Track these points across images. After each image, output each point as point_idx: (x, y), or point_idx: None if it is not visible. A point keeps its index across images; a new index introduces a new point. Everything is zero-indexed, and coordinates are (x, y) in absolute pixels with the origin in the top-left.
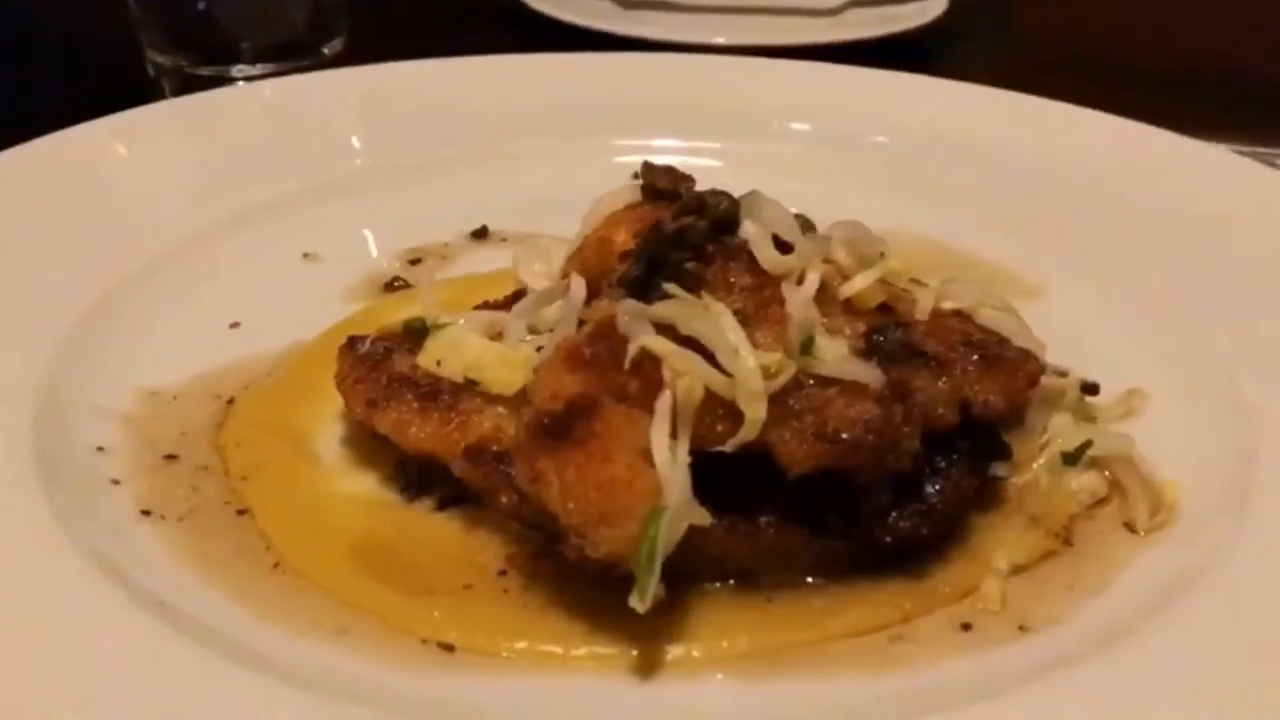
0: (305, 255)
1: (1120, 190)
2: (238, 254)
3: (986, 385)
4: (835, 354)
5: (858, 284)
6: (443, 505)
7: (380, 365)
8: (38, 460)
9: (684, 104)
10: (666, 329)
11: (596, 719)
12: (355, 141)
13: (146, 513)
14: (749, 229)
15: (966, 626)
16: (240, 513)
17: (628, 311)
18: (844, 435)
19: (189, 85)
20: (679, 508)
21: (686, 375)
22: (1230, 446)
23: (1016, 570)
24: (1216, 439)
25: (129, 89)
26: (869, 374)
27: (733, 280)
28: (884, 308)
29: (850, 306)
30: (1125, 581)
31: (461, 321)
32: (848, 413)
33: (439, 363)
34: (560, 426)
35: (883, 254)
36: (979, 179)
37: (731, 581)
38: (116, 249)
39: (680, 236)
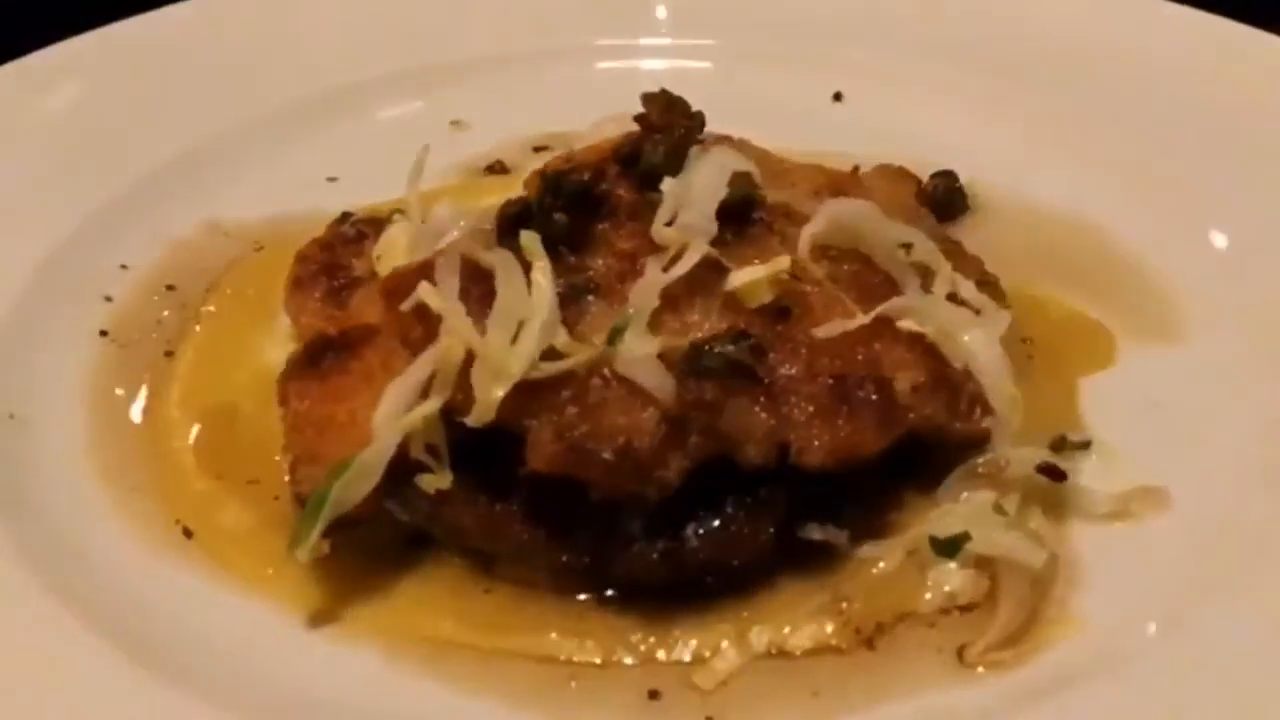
0: (454, 123)
1: None
2: (388, 109)
3: (817, 433)
4: (638, 352)
5: (742, 277)
6: None
7: (341, 247)
8: (50, 265)
9: None
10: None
11: (225, 646)
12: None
13: (104, 333)
14: (666, 187)
15: (655, 694)
16: (167, 354)
17: (446, 252)
18: (587, 445)
19: None
20: (366, 466)
21: (450, 335)
22: (1200, 610)
23: (779, 654)
24: (1190, 589)
25: None
26: (659, 385)
27: (615, 242)
28: (782, 311)
29: (734, 302)
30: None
31: (407, 222)
32: (611, 422)
33: (379, 258)
34: (319, 353)
35: (908, 246)
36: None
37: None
38: (272, 84)
39: (556, 185)
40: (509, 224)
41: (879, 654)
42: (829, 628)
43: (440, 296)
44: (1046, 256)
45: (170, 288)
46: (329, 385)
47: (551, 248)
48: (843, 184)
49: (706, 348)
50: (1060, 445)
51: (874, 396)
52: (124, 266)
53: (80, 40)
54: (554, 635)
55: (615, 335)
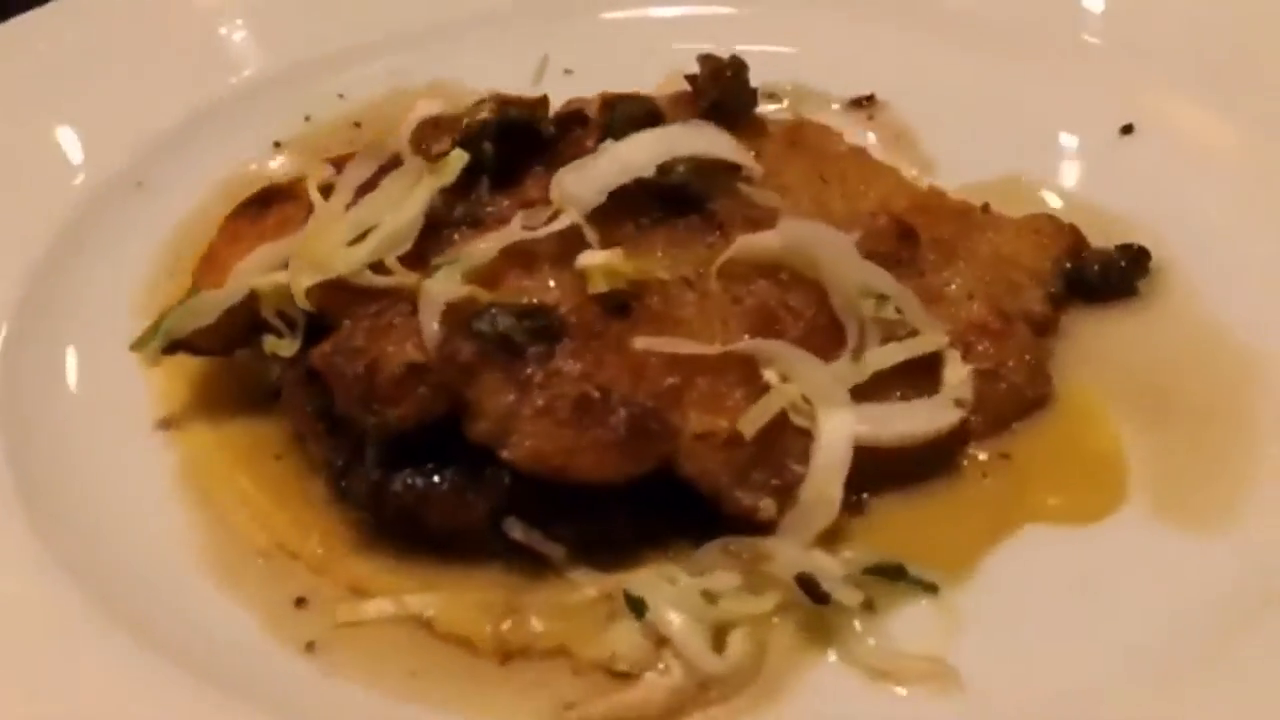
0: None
1: None
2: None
3: (532, 432)
4: (434, 294)
5: (585, 259)
6: None
7: None
8: (273, 79)
9: None
10: None
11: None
12: None
13: (277, 144)
14: (605, 148)
15: (301, 602)
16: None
17: (371, 144)
18: (338, 356)
19: None
20: (201, 305)
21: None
22: None
23: (424, 625)
24: None
25: None
26: (429, 330)
27: (528, 185)
28: (621, 307)
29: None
30: None
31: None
32: (378, 348)
33: None
34: (255, 199)
35: (882, 297)
36: None
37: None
38: None
39: (494, 119)
40: (464, 137)
41: (503, 672)
42: (485, 629)
43: (314, 183)
44: (1168, 382)
45: (357, 125)
46: (238, 227)
47: (476, 173)
48: (943, 213)
49: (491, 311)
50: (890, 574)
51: (622, 422)
52: (341, 96)
53: None
54: (285, 516)
55: (433, 271)
